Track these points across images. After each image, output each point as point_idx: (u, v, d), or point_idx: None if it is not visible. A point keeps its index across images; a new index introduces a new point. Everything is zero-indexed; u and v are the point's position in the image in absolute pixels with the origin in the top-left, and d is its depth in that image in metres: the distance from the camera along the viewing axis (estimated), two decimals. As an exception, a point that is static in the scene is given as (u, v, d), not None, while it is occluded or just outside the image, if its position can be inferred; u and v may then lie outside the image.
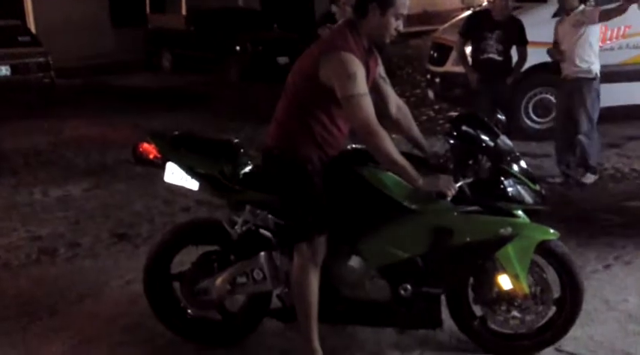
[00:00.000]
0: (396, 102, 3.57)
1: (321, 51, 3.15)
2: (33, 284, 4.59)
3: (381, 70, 3.48)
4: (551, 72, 7.25)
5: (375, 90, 3.19)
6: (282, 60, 13.54)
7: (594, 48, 6.17)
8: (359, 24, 3.19)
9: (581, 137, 6.28)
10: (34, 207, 6.31)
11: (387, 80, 3.55)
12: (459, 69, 7.62)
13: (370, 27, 3.18)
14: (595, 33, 6.19)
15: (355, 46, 3.14)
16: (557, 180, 6.46)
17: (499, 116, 3.48)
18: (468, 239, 3.25)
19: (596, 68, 6.16)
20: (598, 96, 6.22)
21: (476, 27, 6.87)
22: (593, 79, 6.15)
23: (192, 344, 3.71)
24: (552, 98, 8.10)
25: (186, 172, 3.53)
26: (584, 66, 6.12)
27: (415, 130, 3.62)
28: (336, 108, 3.21)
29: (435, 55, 9.14)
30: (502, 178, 3.25)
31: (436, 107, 10.35)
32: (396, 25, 3.20)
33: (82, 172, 7.56)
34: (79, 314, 4.14)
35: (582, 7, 6.16)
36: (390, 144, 3.09)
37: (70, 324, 4.02)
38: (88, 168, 7.77)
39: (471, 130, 3.28)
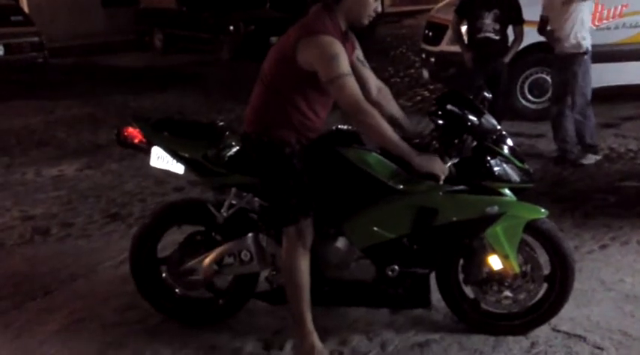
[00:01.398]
0: (376, 85, 3.52)
1: (299, 35, 3.08)
2: (26, 264, 4.57)
3: (359, 53, 3.44)
4: (546, 50, 7.24)
5: (354, 74, 3.14)
6: (275, 40, 13.42)
7: (585, 25, 6.11)
8: (336, 7, 3.13)
9: (575, 115, 6.25)
10: (27, 187, 6.27)
11: (366, 63, 3.50)
12: (455, 48, 7.56)
13: (348, 9, 3.13)
14: (586, 9, 6.12)
15: (333, 29, 3.09)
16: (552, 155, 6.45)
17: (485, 94, 3.41)
18: (454, 218, 3.23)
19: (587, 43, 6.10)
20: (589, 71, 6.18)
21: (472, 6, 6.79)
22: (584, 53, 6.11)
23: (185, 323, 3.70)
24: (548, 78, 8.06)
25: (171, 156, 3.51)
26: (574, 41, 6.08)
27: (397, 111, 3.56)
28: (314, 93, 3.18)
29: (430, 34, 9.07)
30: (488, 157, 3.22)
31: (430, 87, 10.32)
32: (375, 6, 3.16)
33: (75, 152, 7.53)
34: (72, 294, 4.12)
35: None
36: (381, 121, 3.05)
37: (64, 304, 4.00)
38: (81, 147, 7.73)
39: (455, 109, 3.22)
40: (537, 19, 6.73)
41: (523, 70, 8.01)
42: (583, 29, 6.09)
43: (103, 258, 4.61)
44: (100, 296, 4.08)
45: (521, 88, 8.13)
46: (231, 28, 14.27)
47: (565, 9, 6.07)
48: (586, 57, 6.12)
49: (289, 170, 3.19)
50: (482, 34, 6.68)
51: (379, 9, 3.15)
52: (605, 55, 6.89)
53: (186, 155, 3.46)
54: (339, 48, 3.03)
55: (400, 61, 13.45)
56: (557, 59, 6.31)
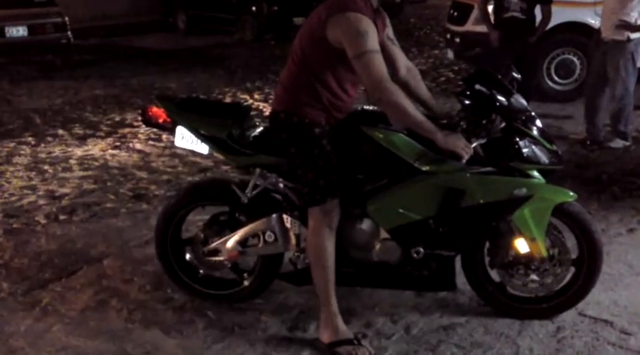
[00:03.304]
0: (405, 64, 3.50)
1: (329, 12, 3.07)
2: (52, 244, 4.61)
3: (389, 31, 3.40)
4: (574, 31, 7.14)
5: (383, 53, 3.11)
6: (299, 21, 13.39)
7: (633, 14, 5.96)
8: None
9: (614, 102, 6.18)
10: (54, 167, 6.31)
11: (396, 42, 3.47)
12: (480, 28, 7.50)
13: None
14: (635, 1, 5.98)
15: (364, 6, 3.07)
16: (579, 137, 6.38)
17: (514, 74, 3.35)
18: (481, 200, 3.18)
19: (629, 32, 5.98)
20: (633, 60, 6.08)
21: (500, -16, 6.72)
22: (628, 41, 6.00)
23: (210, 302, 3.72)
24: (575, 59, 7.97)
25: (195, 136, 3.51)
26: (617, 29, 5.97)
27: (424, 92, 3.54)
28: (344, 71, 3.15)
29: (455, 14, 8.99)
30: (516, 138, 3.17)
31: (455, 68, 10.24)
32: None
33: (101, 132, 7.56)
34: (98, 274, 4.15)
35: None
36: (404, 99, 3.02)
37: (89, 284, 4.03)
38: (107, 127, 7.76)
39: (484, 89, 3.16)
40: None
41: (550, 51, 7.91)
42: (629, 17, 5.95)
43: (129, 237, 4.65)
44: (126, 275, 4.11)
45: (548, 68, 8.03)
46: (254, 8, 14.23)
47: None
48: (629, 45, 6.01)
49: (319, 150, 3.18)
50: (509, 14, 6.62)
51: None
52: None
53: (211, 134, 3.45)
54: (368, 24, 3.01)
55: (424, 41, 13.33)
56: (601, 44, 6.21)
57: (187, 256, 3.71)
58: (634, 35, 6.01)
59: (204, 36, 14.99)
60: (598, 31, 6.34)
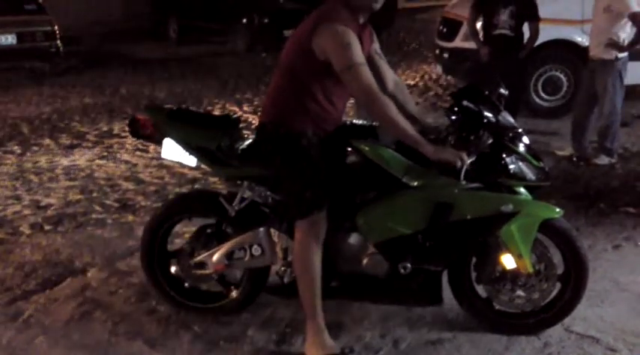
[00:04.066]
0: (392, 79, 3.51)
1: (315, 24, 3.07)
2: (37, 254, 4.57)
3: (376, 46, 3.42)
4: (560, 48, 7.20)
5: (371, 67, 3.12)
6: (289, 33, 13.40)
7: (621, 35, 5.99)
8: None
9: (601, 120, 6.23)
10: (40, 176, 6.27)
11: (383, 56, 3.49)
12: (469, 44, 7.55)
13: None
14: (626, 21, 6.02)
15: (348, 20, 3.08)
16: (566, 153, 6.42)
17: (501, 90, 3.38)
18: (468, 216, 3.20)
19: (617, 51, 6.02)
20: (621, 78, 6.13)
21: (489, 2, 6.76)
22: (616, 60, 6.05)
23: (196, 315, 3.70)
24: (562, 76, 8.03)
25: (183, 147, 3.49)
26: (607, 48, 6.01)
27: (412, 106, 3.56)
28: (331, 83, 3.15)
29: (444, 30, 9.03)
30: (503, 154, 3.19)
31: (444, 83, 10.27)
32: None
33: (89, 141, 7.52)
34: (83, 285, 4.12)
35: None
36: (394, 111, 3.03)
37: (73, 295, 4.00)
38: (95, 137, 7.72)
39: (472, 105, 3.19)
40: (552, 16, 6.68)
41: (537, 67, 7.96)
42: (617, 37, 5.99)
43: (114, 248, 4.62)
44: (111, 287, 4.08)
45: (535, 85, 8.08)
46: (245, 20, 14.27)
47: (605, 16, 6.01)
48: (617, 63, 6.06)
49: (306, 162, 3.17)
50: (497, 31, 6.67)
51: None
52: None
53: (199, 145, 3.44)
54: (352, 37, 3.02)
55: (414, 56, 13.37)
56: (590, 63, 6.26)
57: (173, 268, 3.68)
58: (622, 54, 6.06)
59: (195, 46, 14.98)
60: (587, 49, 6.39)
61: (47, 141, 7.56)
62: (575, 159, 6.38)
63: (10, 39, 11.31)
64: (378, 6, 3.13)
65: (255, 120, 8.08)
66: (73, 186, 5.99)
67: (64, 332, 3.61)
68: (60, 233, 4.94)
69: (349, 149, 3.29)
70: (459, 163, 3.01)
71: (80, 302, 3.90)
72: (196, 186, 5.85)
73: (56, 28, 11.76)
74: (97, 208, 5.42)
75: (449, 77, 9.87)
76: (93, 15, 16.57)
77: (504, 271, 3.37)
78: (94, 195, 5.74)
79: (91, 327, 3.66)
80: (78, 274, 4.26)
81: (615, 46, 5.98)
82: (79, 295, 3.99)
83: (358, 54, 3.02)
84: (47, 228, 5.04)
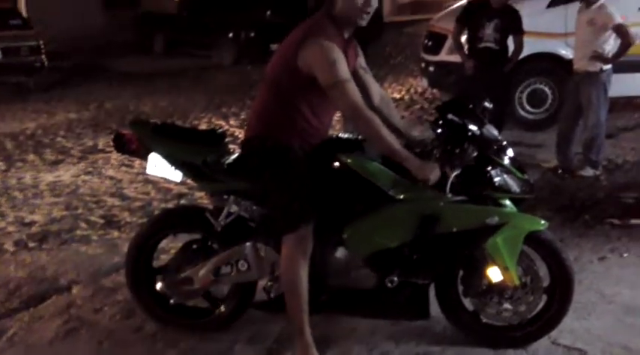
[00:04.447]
0: (378, 93, 3.52)
1: (300, 40, 3.08)
2: (22, 271, 4.52)
3: (361, 60, 3.43)
4: (545, 61, 7.26)
5: (356, 81, 3.13)
6: (275, 47, 13.42)
7: (606, 47, 6.06)
8: (334, 11, 3.12)
9: (586, 132, 6.27)
10: (25, 193, 6.24)
11: (368, 71, 3.50)
12: (454, 58, 7.59)
13: (340, 9, 3.11)
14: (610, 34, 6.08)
15: (334, 35, 3.08)
16: (550, 165, 6.46)
17: (486, 104, 3.41)
18: (454, 228, 3.21)
19: (602, 63, 6.08)
20: (606, 90, 6.18)
21: (474, 15, 6.82)
22: (601, 72, 6.10)
23: (182, 332, 3.66)
24: (546, 88, 8.09)
25: (169, 162, 3.48)
26: (591, 60, 6.06)
27: (398, 120, 3.57)
28: (316, 98, 3.16)
29: (430, 43, 9.09)
30: (489, 167, 3.20)
31: (429, 96, 10.32)
32: (364, 2, 3.08)
33: (73, 157, 7.49)
34: (68, 302, 4.08)
35: (600, 2, 6.07)
36: (380, 126, 3.03)
37: (59, 312, 3.96)
38: (79, 152, 7.69)
39: (457, 119, 3.21)
40: (536, 29, 6.73)
41: (522, 80, 8.02)
42: (602, 49, 6.05)
43: (99, 265, 4.58)
44: (96, 304, 4.04)
45: (520, 98, 8.13)
46: (231, 34, 14.30)
47: (589, 29, 6.06)
48: (602, 76, 6.11)
49: (293, 174, 3.17)
50: (482, 44, 6.71)
51: (375, 5, 3.12)
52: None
53: (185, 160, 3.43)
54: (337, 53, 3.02)
55: (400, 69, 13.43)
56: (575, 76, 6.30)
57: (159, 285, 3.65)
58: (606, 66, 6.11)
59: (181, 59, 14.99)
60: (571, 62, 6.43)
61: (31, 156, 7.52)
62: (560, 171, 6.41)
63: (-5, 54, 11.31)
64: (364, 23, 3.15)
65: (241, 134, 8.08)
66: (58, 202, 5.95)
67: (49, 351, 3.57)
68: (45, 250, 4.91)
69: (336, 163, 3.29)
70: (432, 180, 3.02)
71: (65, 320, 3.87)
72: (182, 201, 5.84)
73: (41, 42, 11.76)
74: (82, 224, 5.39)
75: (434, 90, 9.93)
76: (78, 29, 16.52)
77: (491, 284, 3.36)
78: (79, 211, 5.71)
79: (76, 345, 3.62)
80: (63, 291, 4.22)
81: (600, 58, 6.03)
82: (64, 313, 3.95)
83: (344, 70, 3.03)
84: (32, 245, 5.00)
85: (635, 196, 5.75)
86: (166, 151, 3.48)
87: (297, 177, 3.17)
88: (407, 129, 3.58)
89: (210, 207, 3.62)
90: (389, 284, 3.30)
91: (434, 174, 3.03)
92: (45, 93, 11.40)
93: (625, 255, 4.59)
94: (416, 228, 3.20)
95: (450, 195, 3.16)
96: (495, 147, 3.27)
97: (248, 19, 14.62)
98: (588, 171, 6.33)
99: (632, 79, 7.89)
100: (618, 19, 5.98)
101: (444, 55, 8.43)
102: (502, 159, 3.25)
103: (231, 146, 3.53)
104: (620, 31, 5.95)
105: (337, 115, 3.32)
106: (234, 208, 3.44)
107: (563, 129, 6.48)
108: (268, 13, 15.76)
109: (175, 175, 3.54)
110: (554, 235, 3.45)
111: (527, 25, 6.75)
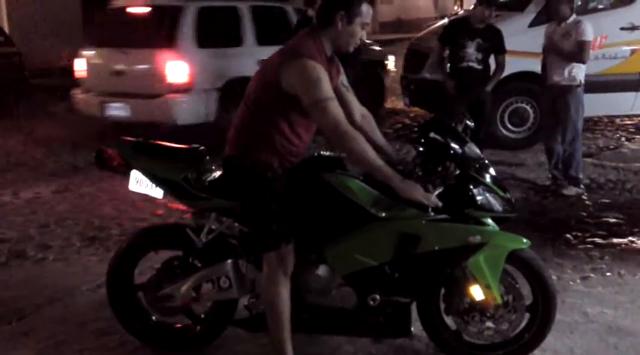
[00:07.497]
0: (359, 110, 3.52)
1: (283, 58, 3.08)
2: (1, 288, 4.46)
3: (343, 78, 3.43)
4: (526, 80, 7.32)
5: (338, 99, 3.13)
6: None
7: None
8: (322, 32, 3.14)
9: (564, 147, 6.30)
10: (4, 209, 6.16)
11: (350, 89, 3.50)
12: (435, 76, 7.62)
13: (335, 36, 3.13)
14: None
15: (317, 54, 3.09)
16: (538, 181, 6.52)
17: (468, 122, 3.42)
18: (436, 247, 3.20)
19: (580, 76, 6.16)
20: (582, 104, 6.23)
21: (455, 34, 6.86)
22: (578, 86, 6.16)
23: (163, 349, 3.63)
24: (528, 107, 8.15)
25: (150, 180, 3.46)
26: (567, 75, 6.13)
27: (379, 138, 3.56)
28: (298, 116, 3.15)
29: (411, 62, 9.14)
30: (470, 186, 3.20)
31: (411, 115, 10.37)
32: (362, 34, 3.16)
33: (53, 174, 7.43)
34: (48, 319, 4.03)
35: (574, 17, 6.15)
36: (364, 144, 3.02)
37: (39, 328, 3.90)
38: (59, 169, 7.63)
39: (438, 137, 3.21)
40: (517, 48, 6.77)
41: (503, 99, 8.08)
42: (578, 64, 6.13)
43: (80, 281, 4.53)
44: (77, 320, 3.99)
45: (502, 116, 8.18)
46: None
47: (567, 42, 6.11)
48: (579, 89, 6.17)
49: (271, 194, 3.15)
50: (464, 63, 6.74)
51: (364, 37, 3.16)
52: (585, 86, 6.95)
53: (166, 177, 3.41)
54: (321, 72, 3.02)
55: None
56: (550, 90, 6.34)
57: (140, 302, 3.61)
58: (583, 80, 6.17)
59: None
60: (545, 77, 6.47)
61: (10, 173, 7.44)
62: (553, 187, 6.43)
63: (-25, 71, 11.21)
64: (351, 49, 3.18)
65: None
66: (37, 218, 5.88)
67: (26, 369, 3.52)
68: (24, 266, 4.85)
69: (317, 180, 3.27)
70: (428, 204, 3.02)
71: (46, 336, 3.81)
72: (161, 219, 5.78)
73: (23, 59, 11.68)
74: (61, 241, 5.32)
75: (416, 108, 9.96)
76: (59, 48, 16.44)
77: (473, 302, 3.36)
78: (58, 228, 5.64)
79: (55, 363, 3.57)
80: (42, 308, 4.17)
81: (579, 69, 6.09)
82: (45, 329, 3.90)
83: (327, 89, 3.02)
84: (11, 261, 4.93)
85: (617, 216, 5.79)
86: (147, 168, 3.45)
87: (275, 197, 3.16)
88: (388, 147, 3.58)
89: (192, 223, 3.59)
90: (370, 303, 3.29)
91: (424, 197, 3.02)
92: (26, 110, 11.31)
93: (608, 274, 4.62)
94: (397, 246, 3.19)
95: (431, 214, 3.16)
96: (477, 166, 3.27)
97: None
98: (571, 190, 6.36)
99: (614, 99, 8.02)
100: (588, 37, 6.05)
101: (426, 74, 8.47)
102: (484, 178, 3.25)
103: (212, 164, 3.50)
104: (582, 47, 6.02)
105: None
106: (215, 225, 3.42)
107: (549, 144, 6.51)
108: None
109: (157, 192, 3.51)
110: (536, 254, 3.45)
111: (509, 44, 6.81)
